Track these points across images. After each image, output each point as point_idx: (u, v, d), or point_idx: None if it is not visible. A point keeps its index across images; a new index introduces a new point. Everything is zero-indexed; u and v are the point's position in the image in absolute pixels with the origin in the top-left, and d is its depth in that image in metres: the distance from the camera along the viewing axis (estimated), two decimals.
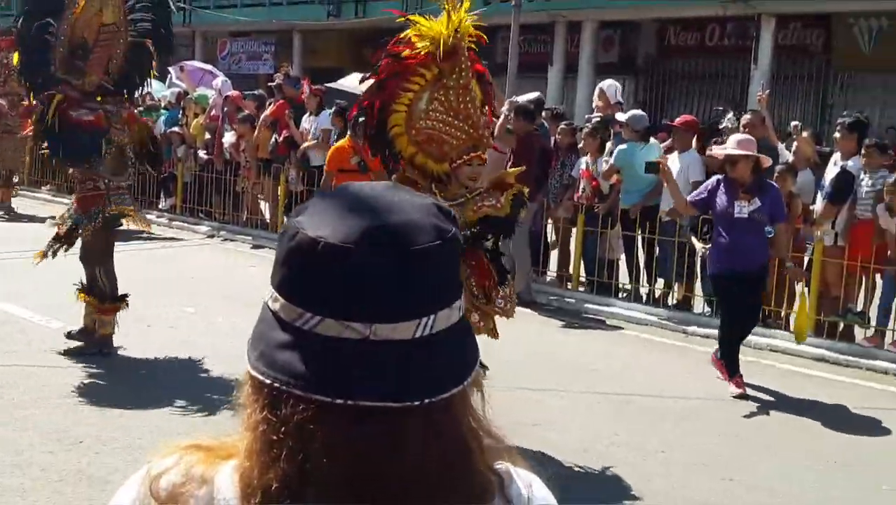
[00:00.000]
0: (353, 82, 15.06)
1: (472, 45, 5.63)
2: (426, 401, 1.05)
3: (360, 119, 6.01)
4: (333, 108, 13.13)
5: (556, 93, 23.56)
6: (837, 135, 9.30)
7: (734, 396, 7.38)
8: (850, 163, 9.02)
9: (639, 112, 10.93)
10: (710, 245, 9.53)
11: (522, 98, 11.20)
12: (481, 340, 5.40)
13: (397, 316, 1.05)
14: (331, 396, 1.03)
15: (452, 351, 1.09)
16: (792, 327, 8.34)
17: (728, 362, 7.63)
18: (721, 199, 7.47)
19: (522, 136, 10.34)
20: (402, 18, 5.92)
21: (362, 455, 1.04)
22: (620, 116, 10.74)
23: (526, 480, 1.21)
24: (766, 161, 7.66)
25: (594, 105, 11.92)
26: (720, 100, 20.91)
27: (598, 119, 11.16)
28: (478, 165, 5.74)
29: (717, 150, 7.71)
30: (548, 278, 11.56)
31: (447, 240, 1.09)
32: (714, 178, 7.70)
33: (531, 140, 10.53)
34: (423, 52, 5.46)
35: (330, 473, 1.04)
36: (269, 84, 15.78)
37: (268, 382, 1.06)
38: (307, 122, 13.58)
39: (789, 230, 8.31)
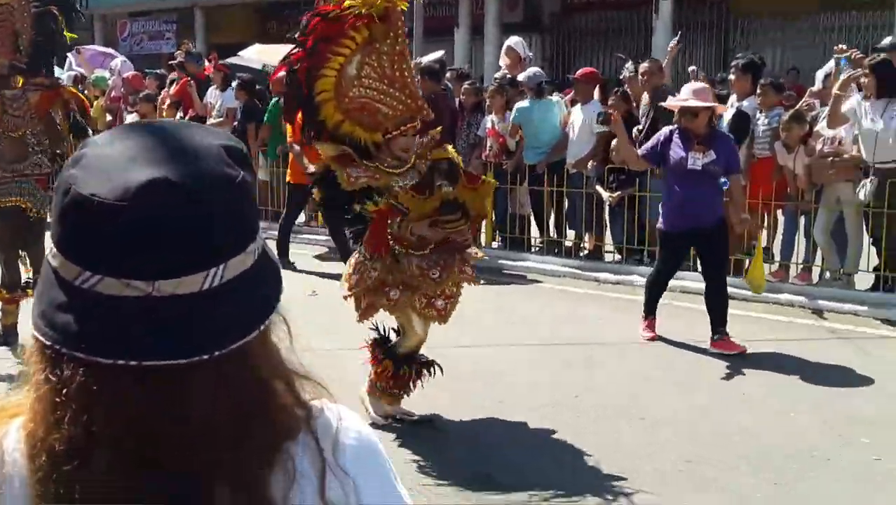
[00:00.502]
0: (253, 54, 14.90)
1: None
2: (216, 353, 1.02)
3: (286, 83, 5.59)
4: (236, 83, 12.98)
5: (463, 55, 23.51)
6: (732, 76, 9.47)
7: (646, 339, 7.53)
8: (745, 103, 9.20)
9: (533, 69, 10.97)
10: (617, 194, 9.71)
11: (426, 59, 11.23)
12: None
13: (181, 270, 1.01)
14: (111, 357, 0.99)
15: (246, 297, 1.06)
16: (746, 279, 8.18)
17: (646, 303, 7.72)
18: (675, 151, 7.21)
19: (429, 97, 10.35)
20: None
21: (147, 415, 1.01)
22: (521, 76, 10.80)
23: (336, 413, 1.19)
24: (722, 109, 7.69)
25: (502, 64, 11.94)
26: (625, 53, 21.12)
27: (503, 77, 11.21)
28: (412, 136, 5.48)
29: (673, 102, 7.43)
30: None
31: (235, 186, 1.05)
32: (666, 130, 7.43)
33: (438, 101, 10.53)
34: (353, 14, 5.14)
35: (115, 435, 1.00)
36: (171, 62, 15.51)
37: (48, 343, 1.02)
38: (212, 96, 13.41)
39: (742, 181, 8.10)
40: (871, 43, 13.26)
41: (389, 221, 5.39)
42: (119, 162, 1.03)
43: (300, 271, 10.56)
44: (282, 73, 12.49)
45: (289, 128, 9.87)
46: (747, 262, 8.42)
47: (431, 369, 5.72)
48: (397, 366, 5.64)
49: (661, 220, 7.49)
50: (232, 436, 1.05)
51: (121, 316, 1.00)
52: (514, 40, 11.90)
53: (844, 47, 8.60)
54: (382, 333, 5.76)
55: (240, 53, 15.14)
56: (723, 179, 7.15)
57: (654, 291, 7.72)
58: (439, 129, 5.79)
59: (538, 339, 7.63)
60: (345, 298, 5.60)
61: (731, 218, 7.44)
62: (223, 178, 1.05)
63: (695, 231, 7.24)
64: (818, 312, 8.39)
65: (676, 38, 11.02)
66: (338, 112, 5.27)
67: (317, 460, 1.13)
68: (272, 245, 10.57)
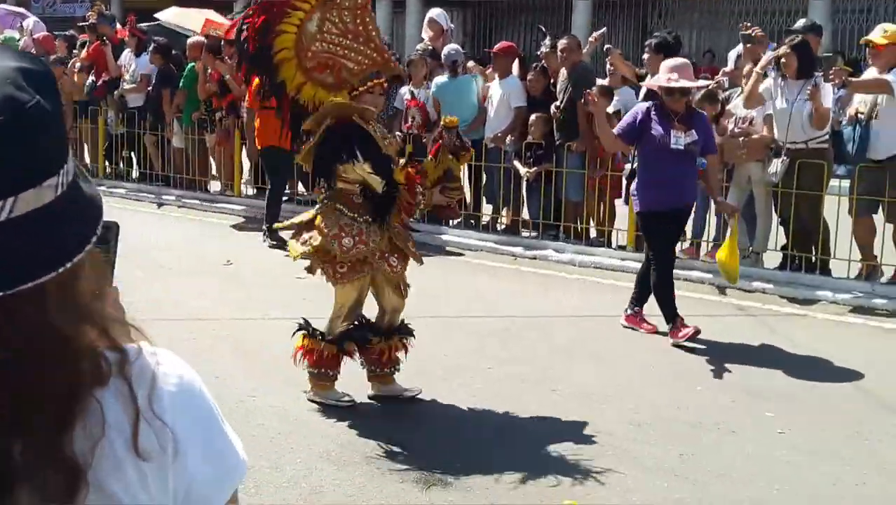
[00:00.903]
0: (170, 17, 14.58)
1: None
2: (4, 293, 0.96)
3: (240, 40, 5.18)
4: (152, 47, 12.71)
5: (385, 27, 23.36)
6: (646, 56, 9.57)
7: (682, 342, 6.87)
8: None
9: (450, 47, 10.92)
10: (534, 169, 9.77)
11: None
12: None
13: None
14: None
15: (44, 234, 0.99)
16: (720, 268, 7.55)
17: (666, 307, 7.02)
18: (656, 129, 6.88)
19: None
20: None
21: None
22: (445, 52, 10.74)
23: (154, 357, 1.14)
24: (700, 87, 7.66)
25: (424, 35, 11.88)
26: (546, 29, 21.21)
27: (425, 49, 11.17)
28: (379, 95, 5.24)
29: (661, 83, 6.99)
30: None
31: (23, 112, 0.97)
32: (642, 107, 7.12)
33: None
34: None
35: None
36: (81, 24, 15.12)
37: None
38: (126, 60, 13.12)
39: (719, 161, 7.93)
40: (785, 26, 13.51)
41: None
42: None
43: (215, 240, 10.41)
44: (198, 38, 12.42)
45: (246, 91, 9.58)
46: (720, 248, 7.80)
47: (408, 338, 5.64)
48: (341, 345, 5.43)
49: (637, 202, 7.15)
50: (26, 381, 0.98)
51: None
52: (436, 12, 11.86)
53: (749, 24, 8.70)
54: (305, 321, 5.55)
55: (157, 15, 14.81)
56: (701, 160, 7.04)
57: (664, 288, 7.05)
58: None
59: (454, 311, 7.66)
60: (338, 262, 5.23)
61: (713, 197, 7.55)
62: (12, 103, 0.97)
63: (675, 210, 7.05)
64: (727, 290, 8.56)
65: (599, 32, 11.08)
66: (299, 73, 4.98)
67: (129, 408, 1.07)
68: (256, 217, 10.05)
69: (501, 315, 7.63)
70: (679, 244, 9.33)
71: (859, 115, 8.25)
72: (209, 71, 12.02)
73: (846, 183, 8.77)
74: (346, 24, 4.97)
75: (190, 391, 1.15)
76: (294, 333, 5.51)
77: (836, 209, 8.56)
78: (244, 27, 5.01)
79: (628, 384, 6.10)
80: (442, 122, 5.59)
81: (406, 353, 5.63)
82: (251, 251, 9.95)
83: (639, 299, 7.33)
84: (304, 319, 5.55)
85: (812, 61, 8.27)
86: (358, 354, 5.56)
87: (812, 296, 8.28)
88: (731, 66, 10.36)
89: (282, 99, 5.09)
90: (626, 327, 7.30)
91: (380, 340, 5.52)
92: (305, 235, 5.31)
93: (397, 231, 5.30)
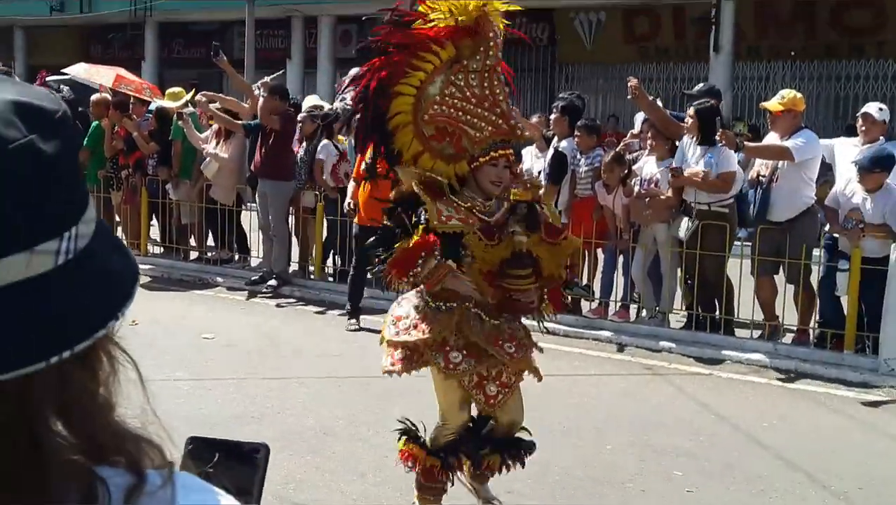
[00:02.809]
0: (80, 72, 14.42)
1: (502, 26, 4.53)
2: None
3: (346, 104, 4.69)
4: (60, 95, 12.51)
5: (296, 87, 23.39)
6: (552, 117, 9.76)
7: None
8: (563, 144, 9.49)
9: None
10: None
11: (269, 78, 11.17)
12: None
13: None
14: None
15: (35, 314, 0.80)
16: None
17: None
18: None
19: (281, 115, 10.38)
20: None
21: None
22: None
23: (195, 493, 0.92)
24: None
25: (338, 96, 11.80)
26: None
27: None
28: (504, 167, 4.42)
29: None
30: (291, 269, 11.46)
31: (3, 153, 0.80)
32: None
33: (289, 119, 10.54)
34: (438, 25, 4.31)
35: None
36: None
37: None
38: None
39: None
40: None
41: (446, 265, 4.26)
42: None
43: None
44: (103, 95, 12.25)
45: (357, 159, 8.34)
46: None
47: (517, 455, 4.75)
48: (445, 459, 4.65)
49: None
50: None
51: None
52: (354, 72, 11.75)
53: (635, 81, 8.86)
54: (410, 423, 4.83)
55: (66, 70, 14.62)
56: None
57: None
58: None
59: (364, 371, 7.57)
60: (392, 343, 4.50)
61: None
62: None
63: None
64: (633, 349, 8.66)
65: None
66: (416, 140, 4.34)
67: None
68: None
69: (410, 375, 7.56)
70: (588, 304, 9.48)
71: (761, 177, 8.49)
72: (116, 128, 11.85)
73: (748, 244, 9.01)
74: (471, 88, 4.39)
75: None
76: (399, 436, 4.83)
77: (738, 270, 8.75)
78: (361, 86, 4.40)
79: (538, 443, 6.08)
80: (513, 197, 4.50)
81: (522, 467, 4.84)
82: (157, 311, 9.74)
83: None
84: (406, 419, 4.85)
85: (712, 129, 8.45)
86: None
87: (717, 355, 8.42)
88: (637, 128, 10.61)
89: (394, 167, 4.45)
90: (540, 386, 7.30)
91: (491, 453, 4.71)
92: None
93: (477, 328, 4.36)
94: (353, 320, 9.23)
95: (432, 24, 4.31)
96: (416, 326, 4.36)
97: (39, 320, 0.79)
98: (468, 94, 4.38)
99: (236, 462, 0.95)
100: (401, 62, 4.31)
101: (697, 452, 6.08)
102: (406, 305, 4.47)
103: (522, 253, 4.38)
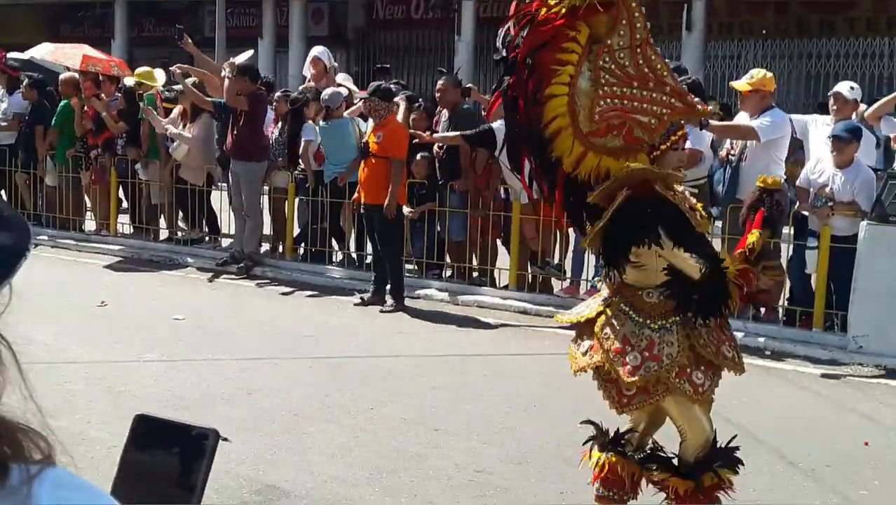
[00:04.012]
0: (46, 54, 14.24)
1: None
2: None
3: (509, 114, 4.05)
4: (26, 81, 12.38)
5: (267, 66, 23.26)
6: None
7: None
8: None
9: (329, 90, 10.63)
10: (417, 208, 9.79)
11: (238, 59, 10.91)
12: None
13: None
14: None
15: None
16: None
17: None
18: None
19: (250, 95, 10.22)
20: None
21: None
22: (323, 96, 10.45)
23: (58, 489, 0.87)
24: None
25: (307, 74, 11.66)
26: (430, 70, 21.44)
27: (309, 90, 11.00)
28: (683, 149, 4.15)
29: None
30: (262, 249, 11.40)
31: None
32: None
33: (259, 99, 10.40)
34: (563, 9, 3.80)
35: None
36: None
37: None
38: None
39: None
40: None
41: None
42: None
43: (89, 280, 10.12)
44: (72, 74, 12.10)
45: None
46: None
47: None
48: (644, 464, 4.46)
49: None
50: None
51: None
52: (318, 50, 11.59)
53: None
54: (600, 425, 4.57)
55: (30, 53, 14.43)
56: None
57: None
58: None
59: (335, 352, 7.58)
60: (631, 384, 4.05)
61: None
62: None
63: None
64: None
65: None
66: (577, 142, 3.88)
67: None
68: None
69: (383, 355, 7.58)
70: (560, 283, 9.50)
71: (730, 156, 8.53)
72: (85, 108, 11.74)
73: (719, 223, 9.04)
74: (625, 70, 3.90)
75: None
76: (588, 444, 4.65)
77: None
78: (510, 92, 3.93)
79: (511, 422, 6.11)
80: (761, 184, 4.36)
81: None
82: (126, 292, 9.70)
83: None
84: (598, 421, 4.61)
85: None
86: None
87: None
88: None
89: (555, 180, 4.00)
90: (508, 366, 7.34)
91: (671, 476, 4.42)
92: (586, 343, 4.23)
93: (704, 339, 4.01)
94: (393, 302, 9.18)
95: (555, 7, 3.81)
96: (651, 357, 3.96)
97: None
98: (625, 76, 3.90)
99: (181, 446, 0.92)
100: (545, 62, 3.84)
101: (668, 429, 6.10)
102: (610, 332, 4.04)
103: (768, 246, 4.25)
